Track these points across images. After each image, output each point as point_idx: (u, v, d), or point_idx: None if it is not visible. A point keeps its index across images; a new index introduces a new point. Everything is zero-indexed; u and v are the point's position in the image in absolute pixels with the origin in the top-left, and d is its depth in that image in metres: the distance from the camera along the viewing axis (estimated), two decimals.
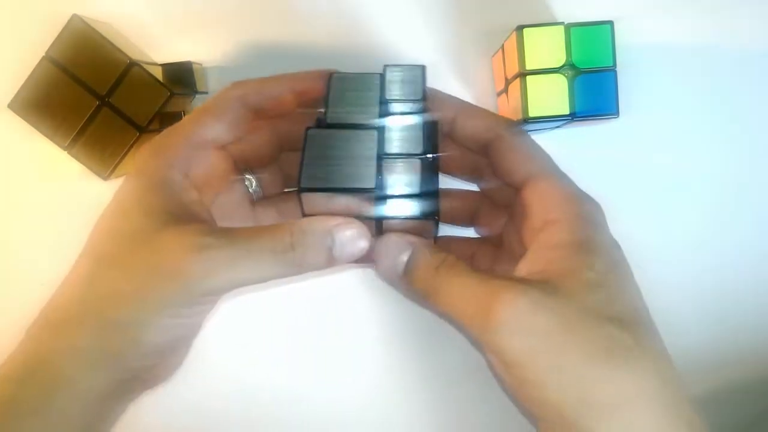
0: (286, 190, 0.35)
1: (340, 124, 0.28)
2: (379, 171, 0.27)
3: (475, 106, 0.32)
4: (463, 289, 0.26)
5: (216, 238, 0.25)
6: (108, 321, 0.25)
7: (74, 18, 0.32)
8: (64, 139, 0.33)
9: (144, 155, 0.28)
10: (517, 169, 0.30)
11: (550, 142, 0.32)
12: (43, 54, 0.32)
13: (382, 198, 0.28)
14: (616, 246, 0.27)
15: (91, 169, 0.33)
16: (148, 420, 0.38)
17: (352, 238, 0.27)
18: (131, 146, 0.33)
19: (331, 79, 0.30)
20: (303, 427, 0.40)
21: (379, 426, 0.40)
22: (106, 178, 0.34)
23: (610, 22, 0.33)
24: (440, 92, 0.32)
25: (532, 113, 0.33)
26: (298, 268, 0.26)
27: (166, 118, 0.36)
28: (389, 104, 0.30)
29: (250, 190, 0.33)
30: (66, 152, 0.33)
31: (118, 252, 0.26)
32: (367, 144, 0.27)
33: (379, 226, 0.29)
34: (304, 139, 0.27)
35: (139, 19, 0.37)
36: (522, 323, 0.24)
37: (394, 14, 0.38)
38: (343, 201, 0.27)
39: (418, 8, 0.37)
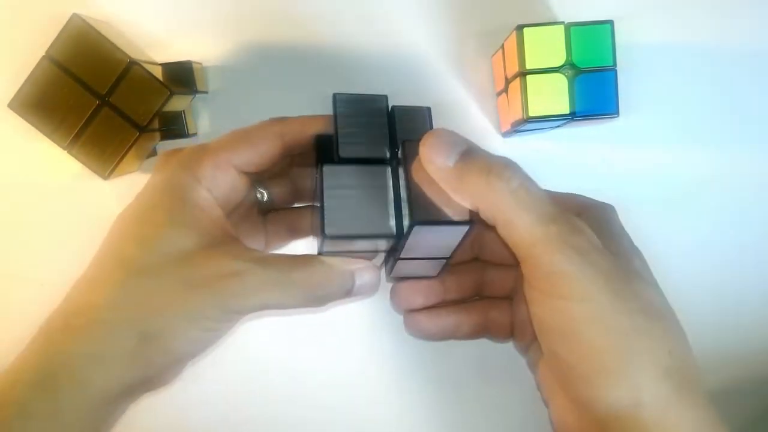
0: (296, 205, 0.35)
1: (353, 159, 0.29)
2: (398, 211, 0.28)
3: (467, 166, 0.26)
4: (516, 204, 0.25)
5: (250, 264, 0.27)
6: (141, 332, 0.26)
7: (74, 17, 0.32)
8: (64, 138, 0.33)
9: (172, 166, 0.29)
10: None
11: (550, 141, 0.33)
12: (43, 53, 0.32)
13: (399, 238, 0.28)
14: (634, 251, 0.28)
15: (91, 168, 0.33)
16: (147, 419, 0.38)
17: (371, 281, 0.30)
18: (131, 146, 0.33)
19: (335, 100, 0.30)
20: (303, 428, 0.40)
21: (380, 427, 0.40)
22: (106, 177, 0.33)
23: (610, 22, 0.33)
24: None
25: (532, 113, 0.33)
26: (320, 302, 0.29)
27: (166, 117, 0.36)
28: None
29: (262, 202, 0.33)
30: (66, 152, 0.33)
31: (153, 264, 0.26)
32: (383, 181, 0.28)
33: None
34: (320, 177, 0.28)
35: (139, 19, 0.37)
36: (577, 283, 0.24)
37: (394, 14, 0.38)
38: (362, 243, 0.29)
39: (418, 8, 0.37)
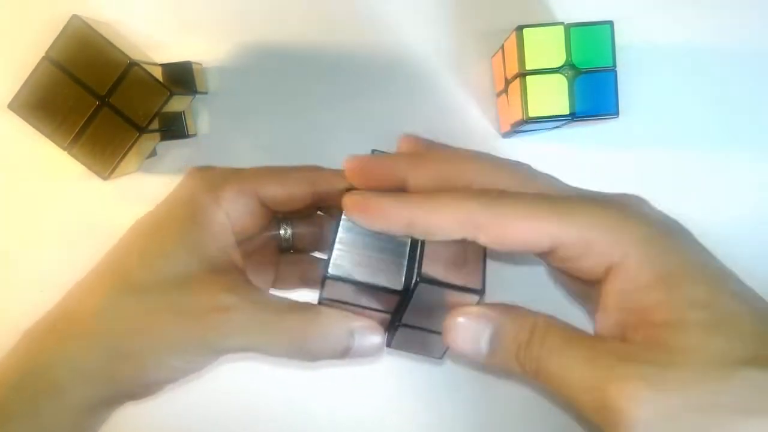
0: (314, 254, 0.34)
1: None
2: (410, 270, 0.25)
3: (431, 197, 0.24)
4: (566, 370, 0.21)
5: (242, 300, 0.25)
6: (118, 348, 0.25)
7: (74, 18, 0.32)
8: (64, 139, 0.33)
9: (197, 185, 0.28)
10: (534, 242, 0.23)
11: (549, 142, 0.32)
12: (43, 54, 0.32)
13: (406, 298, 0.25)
14: (696, 249, 0.23)
15: (91, 169, 0.33)
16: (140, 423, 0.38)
17: (372, 344, 0.27)
18: (131, 146, 0.33)
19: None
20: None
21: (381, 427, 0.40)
22: (106, 178, 0.33)
23: (610, 22, 0.33)
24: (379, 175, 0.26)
25: (531, 113, 0.33)
26: (309, 357, 0.26)
27: (166, 118, 0.36)
28: None
29: (283, 239, 0.32)
30: (66, 152, 0.33)
31: (147, 282, 0.26)
32: (400, 239, 0.25)
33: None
34: (338, 219, 0.26)
35: (138, 20, 0.37)
36: (650, 416, 0.20)
37: (394, 14, 0.38)
38: (365, 298, 0.26)
39: (418, 9, 0.37)
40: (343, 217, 0.26)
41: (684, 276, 0.21)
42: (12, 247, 0.39)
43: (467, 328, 0.24)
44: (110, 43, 0.32)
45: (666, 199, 0.38)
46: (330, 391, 0.40)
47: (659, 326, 0.21)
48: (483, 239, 0.23)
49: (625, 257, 0.22)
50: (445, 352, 0.29)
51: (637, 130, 0.38)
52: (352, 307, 0.26)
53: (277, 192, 0.29)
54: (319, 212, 0.33)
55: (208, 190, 0.28)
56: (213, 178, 0.28)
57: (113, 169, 0.33)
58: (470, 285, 0.24)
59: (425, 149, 0.27)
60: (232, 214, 0.28)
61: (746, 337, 0.20)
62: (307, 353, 0.26)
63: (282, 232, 0.32)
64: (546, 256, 0.23)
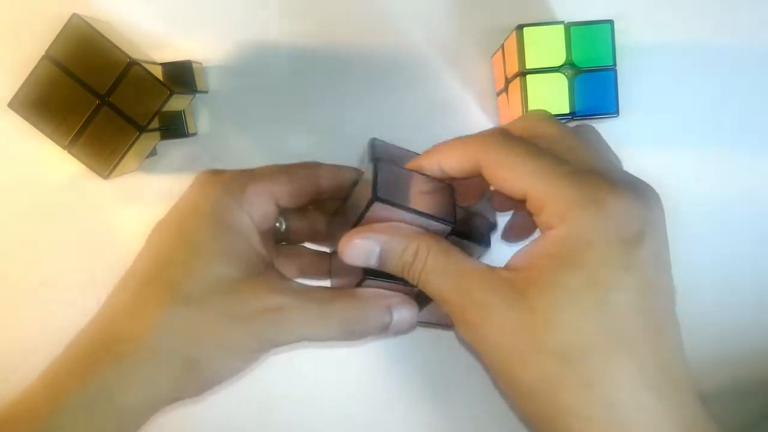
0: (308, 245, 0.35)
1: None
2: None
3: (448, 143, 0.28)
4: (439, 287, 0.26)
5: (291, 298, 0.27)
6: (184, 363, 0.26)
7: (74, 17, 0.32)
8: (64, 138, 0.33)
9: (214, 187, 0.29)
10: (511, 188, 0.26)
11: None
12: (43, 53, 0.32)
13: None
14: (613, 260, 0.24)
15: (91, 168, 0.33)
16: None
17: (409, 316, 0.29)
18: (131, 145, 0.33)
19: (376, 165, 0.28)
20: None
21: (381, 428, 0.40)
22: (106, 177, 0.33)
23: (610, 22, 0.33)
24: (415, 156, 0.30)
25: None
26: (357, 336, 0.28)
27: (166, 117, 0.36)
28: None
29: (279, 232, 0.33)
30: (66, 151, 0.33)
31: (198, 293, 0.27)
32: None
33: None
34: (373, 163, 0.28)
35: (139, 19, 0.37)
36: (485, 335, 0.25)
37: (394, 14, 0.38)
38: (409, 222, 0.28)
39: (418, 8, 0.37)
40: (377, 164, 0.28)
41: (580, 264, 0.24)
42: (12, 247, 0.39)
43: (358, 245, 0.27)
44: (110, 42, 0.32)
45: (666, 198, 0.38)
46: (327, 391, 0.40)
47: (532, 285, 0.24)
48: (484, 173, 0.27)
49: (557, 226, 0.25)
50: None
51: (637, 129, 0.38)
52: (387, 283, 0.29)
53: (288, 189, 0.30)
54: (310, 207, 0.34)
55: (230, 195, 0.29)
56: (231, 183, 0.29)
57: (113, 168, 0.33)
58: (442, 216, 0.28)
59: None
60: (253, 216, 0.29)
61: (580, 331, 0.23)
62: (354, 333, 0.28)
63: (277, 224, 0.33)
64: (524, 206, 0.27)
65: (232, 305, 0.27)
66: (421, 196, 0.28)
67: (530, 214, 0.26)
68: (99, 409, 0.25)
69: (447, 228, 0.28)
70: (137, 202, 0.38)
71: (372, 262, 0.27)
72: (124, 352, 0.26)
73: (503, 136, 0.27)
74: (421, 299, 0.30)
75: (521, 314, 0.24)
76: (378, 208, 0.27)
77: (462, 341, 0.27)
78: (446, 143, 0.28)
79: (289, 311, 0.27)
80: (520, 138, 0.27)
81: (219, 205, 0.29)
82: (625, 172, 0.27)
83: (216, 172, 0.30)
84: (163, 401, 0.26)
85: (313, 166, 0.32)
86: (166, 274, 0.27)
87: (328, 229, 0.34)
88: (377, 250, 0.27)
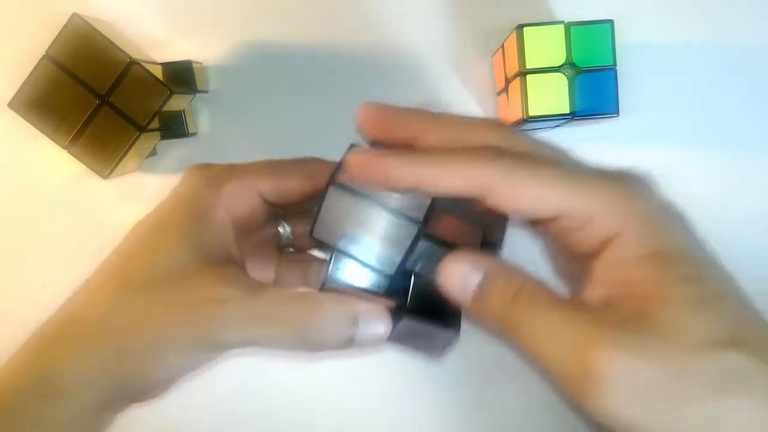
0: (313, 252, 0.34)
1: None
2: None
3: (443, 155, 0.23)
4: (547, 332, 0.22)
5: (240, 292, 0.25)
6: (122, 347, 0.25)
7: (74, 17, 0.32)
8: (64, 138, 0.33)
9: (198, 181, 0.28)
10: (539, 209, 0.23)
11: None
12: (43, 53, 0.32)
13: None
14: (692, 234, 0.23)
15: (91, 168, 0.33)
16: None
17: (378, 330, 0.26)
18: (131, 145, 0.33)
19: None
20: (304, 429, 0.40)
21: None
22: (106, 177, 0.33)
23: (610, 21, 0.33)
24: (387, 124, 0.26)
25: (532, 112, 0.33)
26: (312, 347, 0.25)
27: (166, 117, 0.36)
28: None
29: (283, 237, 0.32)
30: (66, 151, 0.33)
31: (148, 280, 0.26)
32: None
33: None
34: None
35: (139, 18, 0.37)
36: (627, 382, 0.20)
37: (394, 14, 0.38)
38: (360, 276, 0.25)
39: (418, 8, 0.37)
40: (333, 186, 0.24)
41: (675, 255, 0.22)
42: (12, 246, 0.39)
43: (461, 269, 0.23)
44: (110, 42, 0.32)
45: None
46: (328, 390, 0.40)
47: (645, 299, 0.21)
48: (491, 201, 0.23)
49: (622, 231, 0.22)
50: (445, 351, 0.28)
51: (637, 129, 0.38)
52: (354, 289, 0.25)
53: (277, 186, 0.29)
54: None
55: (209, 186, 0.28)
56: (214, 175, 0.29)
57: (113, 168, 0.33)
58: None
59: (393, 114, 0.26)
60: (233, 210, 0.28)
61: (728, 319, 0.21)
62: (310, 343, 0.25)
63: (281, 230, 0.32)
64: (547, 226, 0.24)
65: (176, 294, 0.25)
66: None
67: (554, 231, 0.23)
68: (45, 389, 0.24)
69: (412, 230, 0.24)
70: (137, 202, 0.38)
71: (469, 293, 0.23)
72: (69, 332, 0.26)
73: (501, 152, 0.23)
74: (399, 313, 0.26)
75: (663, 339, 0.20)
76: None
77: (581, 408, 0.21)
78: (436, 160, 0.23)
79: (232, 305, 0.24)
80: (520, 153, 0.23)
81: (194, 196, 0.28)
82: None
83: (203, 166, 0.29)
84: (108, 393, 0.25)
85: (308, 163, 0.30)
86: (125, 263, 0.27)
87: None
88: (479, 275, 0.23)
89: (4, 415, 0.24)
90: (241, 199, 0.28)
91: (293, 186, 0.29)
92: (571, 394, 0.21)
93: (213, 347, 0.25)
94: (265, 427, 0.40)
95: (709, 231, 0.39)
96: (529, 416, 0.39)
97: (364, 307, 0.25)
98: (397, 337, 0.26)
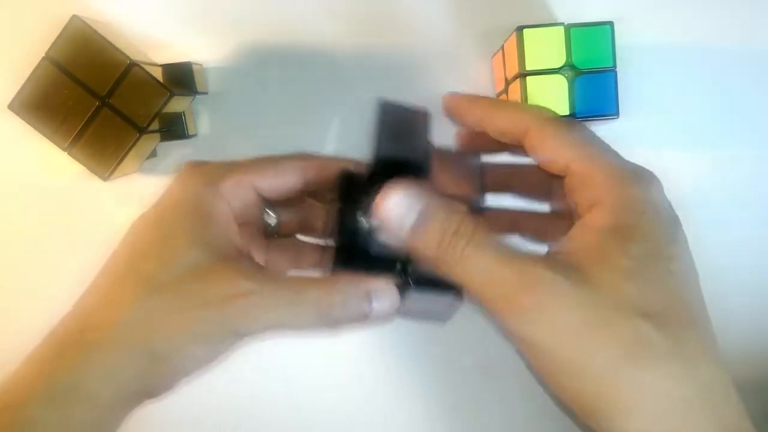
0: (301, 237, 0.35)
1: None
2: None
3: (503, 102, 0.31)
4: (484, 268, 0.24)
5: (262, 284, 0.26)
6: (151, 351, 0.26)
7: (74, 18, 0.32)
8: (64, 139, 0.33)
9: (196, 179, 0.29)
10: (554, 159, 0.27)
11: None
12: (43, 54, 0.32)
13: None
14: (667, 232, 0.25)
15: (91, 169, 0.33)
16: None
17: (389, 303, 0.27)
18: (131, 147, 0.33)
19: (381, 109, 0.29)
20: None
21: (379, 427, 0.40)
22: (106, 178, 0.33)
23: (610, 23, 0.33)
24: (467, 95, 0.31)
25: None
26: (335, 323, 0.27)
27: (166, 118, 0.36)
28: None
29: (270, 225, 0.33)
30: (66, 153, 0.33)
31: (168, 282, 0.26)
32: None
33: None
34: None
35: (139, 20, 0.37)
36: (548, 317, 0.23)
37: (394, 14, 0.37)
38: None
39: (418, 9, 0.37)
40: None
41: (634, 233, 0.24)
42: (12, 248, 0.39)
43: (398, 201, 0.25)
44: (110, 44, 0.32)
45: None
46: (327, 389, 0.40)
47: (592, 260, 0.24)
48: (525, 143, 0.27)
49: (603, 201, 0.25)
50: (451, 313, 0.30)
51: (637, 130, 0.38)
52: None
53: (272, 182, 0.30)
54: (309, 198, 0.34)
55: (209, 184, 0.28)
56: (211, 172, 0.29)
57: (113, 170, 0.33)
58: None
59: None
60: (232, 205, 0.29)
61: (654, 296, 0.23)
62: (330, 321, 0.27)
63: (267, 218, 0.33)
64: (561, 183, 0.27)
65: (199, 291, 0.26)
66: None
67: (560, 197, 0.27)
68: (68, 397, 0.25)
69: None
70: (137, 204, 0.37)
71: (408, 222, 0.25)
72: (92, 341, 0.26)
73: (542, 112, 0.28)
74: (403, 288, 0.28)
75: (587, 291, 0.23)
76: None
77: (508, 331, 0.24)
78: (493, 102, 0.30)
79: (258, 296, 0.26)
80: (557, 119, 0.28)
81: (196, 194, 0.28)
82: None
83: (198, 164, 0.30)
84: (132, 393, 0.26)
85: (301, 159, 0.31)
86: (138, 264, 0.27)
87: (328, 218, 0.33)
88: (418, 208, 0.25)
89: (25, 423, 0.24)
90: (239, 195, 0.29)
91: (288, 182, 0.30)
92: (497, 316, 0.24)
93: (239, 336, 0.27)
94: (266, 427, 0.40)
95: (709, 231, 0.39)
96: (530, 414, 0.39)
97: (375, 283, 0.27)
98: (405, 310, 0.28)
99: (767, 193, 0.39)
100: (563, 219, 0.32)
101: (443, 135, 0.33)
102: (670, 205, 0.26)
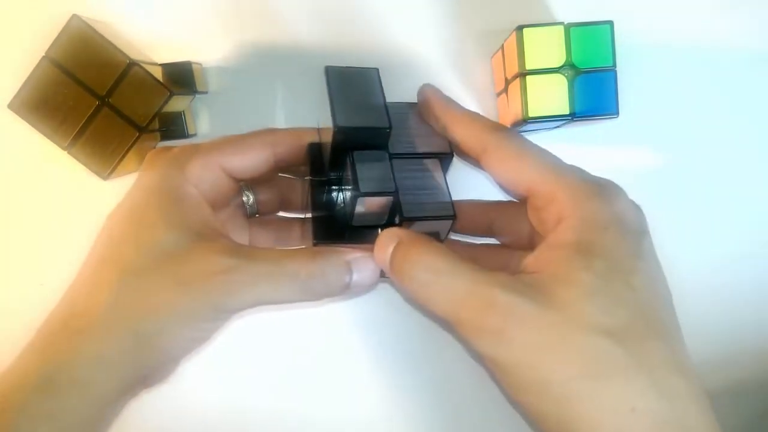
0: (281, 213, 0.36)
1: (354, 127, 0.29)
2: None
3: (466, 115, 0.30)
4: (450, 296, 0.25)
5: (240, 259, 0.26)
6: (136, 332, 0.26)
7: (74, 18, 0.32)
8: (64, 139, 0.33)
9: (161, 165, 0.29)
10: (515, 180, 0.28)
11: (549, 142, 0.32)
12: (43, 54, 0.32)
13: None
14: (630, 246, 0.25)
15: (91, 169, 0.33)
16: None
17: (370, 274, 0.28)
18: (131, 146, 0.33)
19: (328, 74, 0.30)
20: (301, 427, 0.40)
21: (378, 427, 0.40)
22: (106, 178, 0.34)
23: (610, 22, 0.33)
24: (437, 96, 0.32)
25: (531, 113, 0.33)
26: (316, 295, 0.27)
27: (166, 118, 0.36)
28: None
29: (248, 205, 0.34)
30: (66, 152, 0.33)
31: (146, 264, 0.26)
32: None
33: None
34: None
35: (138, 20, 0.37)
36: (509, 338, 0.23)
37: (394, 14, 0.38)
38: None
39: (418, 9, 0.37)
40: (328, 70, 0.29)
41: (596, 250, 0.24)
42: (12, 247, 0.39)
43: (382, 242, 0.27)
44: (110, 43, 0.32)
45: (666, 198, 0.39)
46: (325, 389, 0.40)
47: (554, 277, 0.24)
48: (483, 163, 0.28)
49: (567, 217, 0.25)
50: (449, 233, 0.31)
51: (637, 130, 0.38)
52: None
53: (239, 161, 0.30)
54: (281, 174, 0.34)
55: (175, 168, 0.29)
56: (176, 158, 0.30)
57: (113, 169, 0.33)
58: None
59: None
60: (201, 188, 0.29)
61: (615, 313, 0.23)
62: (312, 293, 0.27)
63: (245, 198, 0.33)
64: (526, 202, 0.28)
65: (178, 271, 0.26)
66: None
67: (524, 216, 0.28)
68: (59, 385, 0.25)
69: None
70: None
71: (387, 261, 0.26)
72: (78, 328, 0.26)
73: (503, 128, 0.29)
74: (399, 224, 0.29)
75: (548, 311, 0.23)
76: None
77: (475, 352, 0.25)
78: (456, 114, 0.30)
79: (237, 272, 0.26)
80: (517, 137, 0.28)
81: (164, 179, 0.29)
82: None
83: (162, 150, 0.30)
84: (124, 380, 0.26)
85: (267, 134, 0.31)
86: (116, 251, 0.28)
87: (303, 192, 0.34)
88: (389, 252, 0.26)
89: (18, 413, 0.24)
90: (206, 176, 0.29)
91: (255, 159, 0.31)
92: (467, 341, 0.25)
93: (223, 314, 0.27)
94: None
95: (709, 231, 0.39)
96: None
97: (355, 254, 0.28)
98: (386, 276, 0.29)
99: (767, 192, 0.39)
100: (513, 249, 0.33)
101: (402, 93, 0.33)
102: (636, 216, 0.26)
